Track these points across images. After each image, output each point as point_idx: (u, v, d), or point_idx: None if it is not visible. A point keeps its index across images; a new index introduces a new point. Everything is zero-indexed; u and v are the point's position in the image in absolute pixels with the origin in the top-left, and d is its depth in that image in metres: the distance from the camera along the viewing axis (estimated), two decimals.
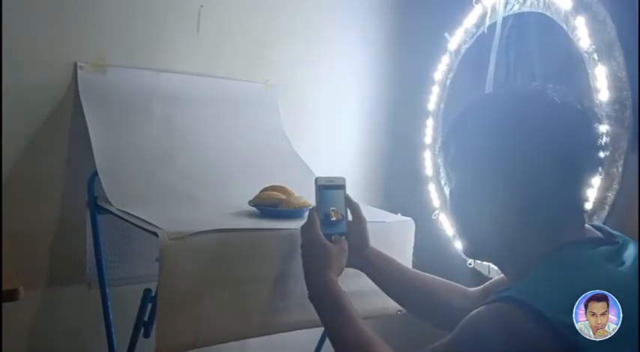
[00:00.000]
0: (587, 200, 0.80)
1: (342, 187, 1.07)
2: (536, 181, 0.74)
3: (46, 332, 1.36)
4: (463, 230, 0.85)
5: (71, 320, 1.38)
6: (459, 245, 1.61)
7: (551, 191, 0.75)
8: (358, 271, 1.07)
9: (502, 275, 0.89)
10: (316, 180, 1.05)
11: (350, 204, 1.07)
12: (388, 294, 1.07)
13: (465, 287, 1.06)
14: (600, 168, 0.78)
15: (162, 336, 0.93)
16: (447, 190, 1.28)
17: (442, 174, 1.72)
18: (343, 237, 1.02)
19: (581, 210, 0.78)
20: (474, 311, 0.68)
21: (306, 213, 1.16)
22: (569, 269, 0.70)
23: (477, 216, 0.81)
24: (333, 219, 1.03)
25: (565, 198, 0.76)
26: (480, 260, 1.17)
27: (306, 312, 0.96)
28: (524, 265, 0.75)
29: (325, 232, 1.00)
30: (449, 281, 1.07)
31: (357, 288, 1.04)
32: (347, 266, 1.01)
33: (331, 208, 1.03)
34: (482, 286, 1.03)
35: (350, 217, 1.07)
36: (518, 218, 0.76)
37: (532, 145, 0.74)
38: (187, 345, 0.97)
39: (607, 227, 0.81)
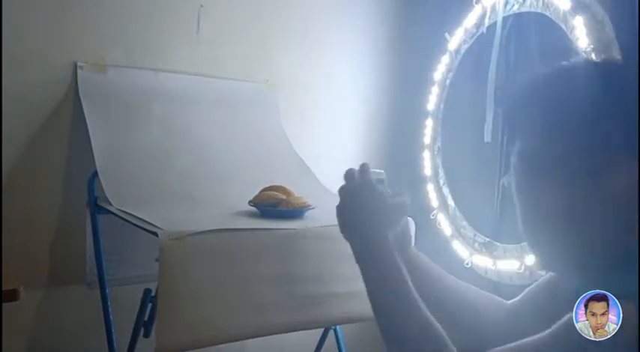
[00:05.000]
0: None
1: (382, 181, 0.90)
2: (625, 166, 0.64)
3: (46, 332, 1.36)
4: (544, 238, 0.69)
5: (71, 320, 1.38)
6: (456, 244, 1.61)
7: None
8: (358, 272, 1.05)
9: (536, 282, 0.83)
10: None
11: None
12: (423, 299, 0.88)
13: (502, 299, 0.93)
14: None
15: (162, 336, 0.93)
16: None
17: (441, 174, 1.73)
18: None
19: None
20: None
21: (306, 213, 1.16)
22: None
23: (563, 215, 0.66)
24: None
25: None
26: (558, 273, 0.83)
27: (306, 313, 0.96)
28: (610, 259, 0.65)
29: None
30: (487, 293, 0.95)
31: (356, 289, 1.03)
32: None
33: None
34: (520, 298, 0.89)
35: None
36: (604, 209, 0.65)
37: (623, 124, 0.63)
38: (187, 345, 0.96)
39: None
